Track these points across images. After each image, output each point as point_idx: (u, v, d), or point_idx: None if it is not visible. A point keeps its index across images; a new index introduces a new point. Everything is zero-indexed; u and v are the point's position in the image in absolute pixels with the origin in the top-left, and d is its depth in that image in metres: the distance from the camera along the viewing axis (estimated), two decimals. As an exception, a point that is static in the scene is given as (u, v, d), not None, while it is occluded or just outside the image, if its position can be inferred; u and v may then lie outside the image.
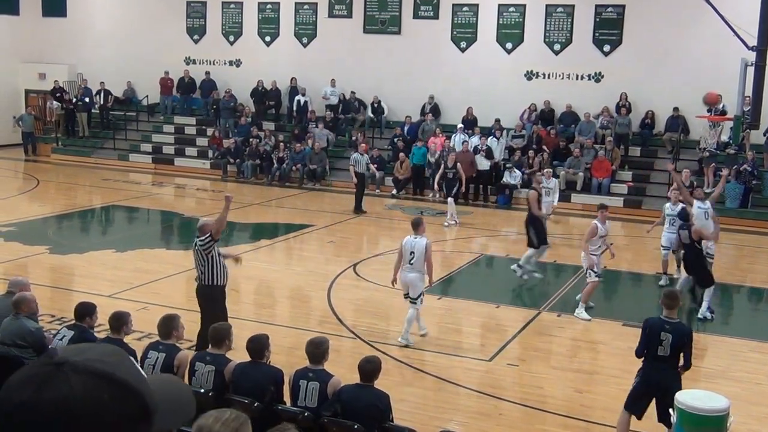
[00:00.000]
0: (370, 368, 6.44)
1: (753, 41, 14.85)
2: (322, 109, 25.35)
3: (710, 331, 11.92)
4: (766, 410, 8.91)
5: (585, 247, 11.91)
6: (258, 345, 6.81)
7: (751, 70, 15.03)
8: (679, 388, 6.92)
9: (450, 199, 18.51)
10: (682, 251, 12.30)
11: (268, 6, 27.13)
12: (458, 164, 18.93)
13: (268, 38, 27.25)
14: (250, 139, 24.37)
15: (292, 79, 26.00)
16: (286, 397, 6.73)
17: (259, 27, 27.31)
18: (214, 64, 27.78)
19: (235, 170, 24.32)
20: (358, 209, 19.46)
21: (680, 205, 13.55)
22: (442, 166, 19.09)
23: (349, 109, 25.46)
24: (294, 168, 23.43)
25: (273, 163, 23.81)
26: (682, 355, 7.22)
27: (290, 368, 6.95)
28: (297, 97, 25.70)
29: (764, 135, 20.80)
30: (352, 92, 25.44)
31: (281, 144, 24.11)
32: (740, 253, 16.49)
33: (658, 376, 7.20)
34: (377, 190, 22.33)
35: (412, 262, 10.23)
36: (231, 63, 27.71)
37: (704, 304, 11.92)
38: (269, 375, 6.68)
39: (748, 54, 15.02)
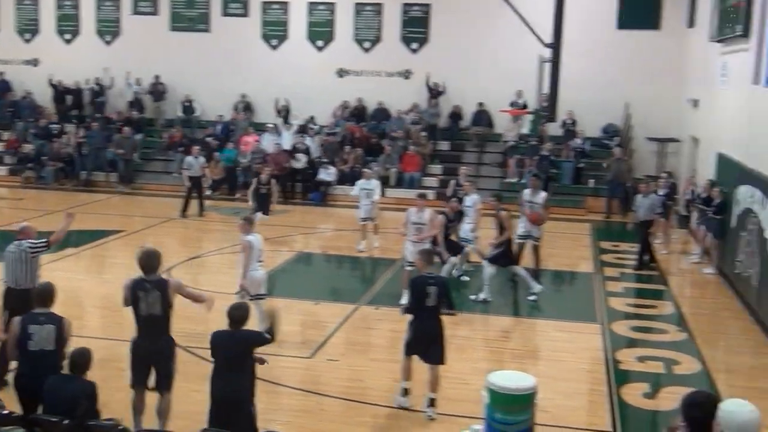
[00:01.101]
0: (238, 315, 6.99)
1: (549, 38, 15.67)
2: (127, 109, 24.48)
3: (516, 314, 12.56)
4: (572, 385, 9.49)
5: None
6: (82, 359, 6.59)
7: (547, 66, 15.86)
8: (442, 333, 8.23)
9: (265, 217, 16.73)
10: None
11: (67, 2, 25.80)
12: (272, 180, 17.61)
13: (68, 36, 25.92)
14: (52, 142, 23.04)
15: (96, 78, 24.87)
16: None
17: (58, 24, 25.94)
18: (8, 63, 26.09)
19: (34, 176, 22.90)
20: (200, 212, 19.15)
21: (474, 195, 14.29)
22: (255, 180, 17.66)
23: (155, 95, 24.86)
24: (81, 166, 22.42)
25: (76, 167, 22.66)
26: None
27: (102, 382, 6.68)
28: (101, 98, 24.63)
29: (561, 127, 22.14)
30: (156, 76, 24.78)
31: (79, 144, 22.93)
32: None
33: (428, 324, 8.24)
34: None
35: (261, 259, 10.40)
36: (28, 62, 26.14)
37: (533, 283, 12.81)
38: (82, 389, 6.41)
39: (545, 51, 15.85)
